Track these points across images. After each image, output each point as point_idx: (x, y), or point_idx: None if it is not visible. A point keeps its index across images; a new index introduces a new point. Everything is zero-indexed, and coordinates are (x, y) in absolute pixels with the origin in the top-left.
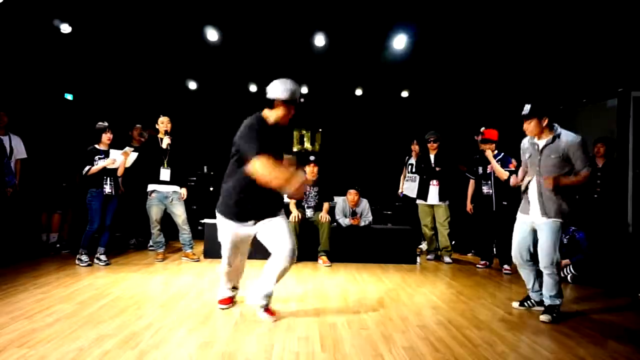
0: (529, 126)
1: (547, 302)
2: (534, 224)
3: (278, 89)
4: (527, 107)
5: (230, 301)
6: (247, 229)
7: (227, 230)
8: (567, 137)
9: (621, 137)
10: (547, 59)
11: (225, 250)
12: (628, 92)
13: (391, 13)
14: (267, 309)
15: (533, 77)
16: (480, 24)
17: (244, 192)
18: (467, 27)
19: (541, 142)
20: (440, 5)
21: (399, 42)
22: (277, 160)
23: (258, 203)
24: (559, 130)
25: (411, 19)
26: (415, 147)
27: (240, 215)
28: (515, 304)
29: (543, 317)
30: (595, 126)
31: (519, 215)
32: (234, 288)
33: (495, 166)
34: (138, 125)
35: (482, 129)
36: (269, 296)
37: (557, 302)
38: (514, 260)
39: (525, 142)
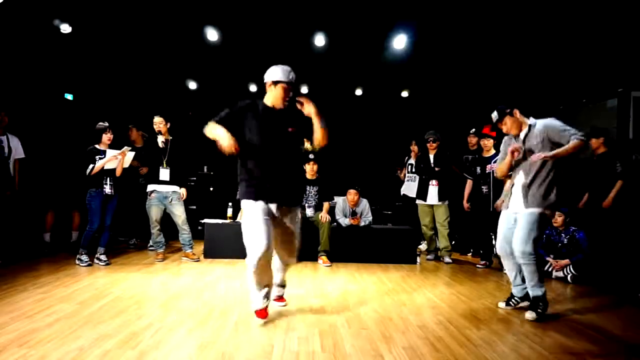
0: (507, 126)
1: (530, 293)
2: (517, 214)
3: (269, 72)
4: (494, 114)
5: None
6: (269, 209)
7: (252, 209)
8: (541, 122)
9: (621, 137)
10: (548, 59)
11: (252, 238)
12: (628, 92)
13: (391, 13)
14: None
15: (533, 77)
16: (481, 24)
17: (253, 169)
18: (467, 27)
19: (521, 135)
20: (440, 5)
21: (399, 42)
22: (280, 143)
23: (274, 182)
24: (532, 120)
25: (411, 19)
26: (414, 148)
27: (258, 193)
28: (502, 304)
29: (528, 315)
30: (595, 126)
31: (504, 208)
32: (267, 292)
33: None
34: (132, 127)
35: (472, 130)
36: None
37: (539, 292)
38: (498, 252)
39: (507, 138)
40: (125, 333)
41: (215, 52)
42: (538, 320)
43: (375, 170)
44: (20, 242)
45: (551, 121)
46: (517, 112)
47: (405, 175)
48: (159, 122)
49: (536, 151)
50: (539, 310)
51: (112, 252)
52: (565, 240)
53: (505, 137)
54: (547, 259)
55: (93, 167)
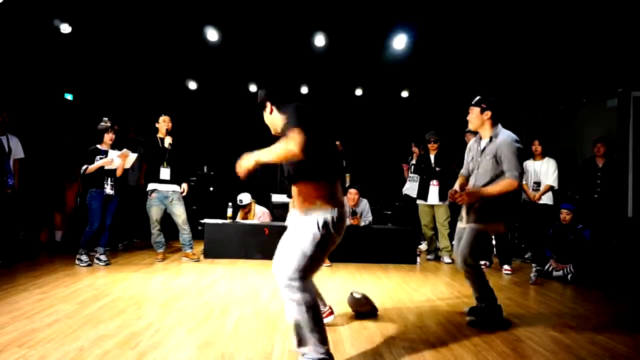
0: (470, 115)
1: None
2: (465, 227)
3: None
4: (476, 98)
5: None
6: None
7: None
8: (501, 136)
9: (621, 137)
10: (548, 59)
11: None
12: (628, 92)
13: (391, 13)
14: None
15: (533, 77)
16: (481, 23)
17: None
18: (467, 27)
19: (483, 143)
20: (440, 5)
21: (399, 42)
22: None
23: None
24: (499, 130)
25: (411, 19)
26: (414, 149)
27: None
28: (466, 309)
29: (467, 318)
30: (595, 126)
31: (460, 222)
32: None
33: None
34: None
35: (468, 129)
36: None
37: (481, 305)
38: (456, 264)
39: (470, 142)
40: (125, 333)
41: (215, 52)
42: (477, 326)
43: (376, 170)
44: (21, 242)
45: (508, 142)
46: (488, 114)
47: (407, 175)
48: (168, 121)
49: (487, 166)
50: (473, 317)
51: (112, 252)
52: (572, 237)
53: (471, 141)
54: (551, 260)
55: (87, 167)
